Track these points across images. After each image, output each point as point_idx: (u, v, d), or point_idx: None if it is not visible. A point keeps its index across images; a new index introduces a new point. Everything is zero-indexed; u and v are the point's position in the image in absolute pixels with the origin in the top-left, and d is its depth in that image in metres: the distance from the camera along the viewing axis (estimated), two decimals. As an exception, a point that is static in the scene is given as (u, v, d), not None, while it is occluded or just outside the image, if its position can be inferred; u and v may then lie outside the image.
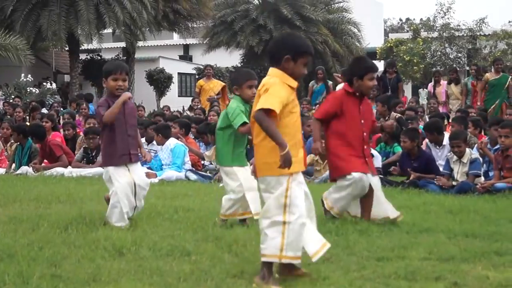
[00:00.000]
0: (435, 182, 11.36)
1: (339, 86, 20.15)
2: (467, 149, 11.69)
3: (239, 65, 38.22)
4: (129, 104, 8.52)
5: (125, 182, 8.19)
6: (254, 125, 5.82)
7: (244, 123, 8.03)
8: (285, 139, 5.55)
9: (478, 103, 20.06)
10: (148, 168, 13.71)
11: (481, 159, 11.72)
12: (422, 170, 11.80)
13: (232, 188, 8.29)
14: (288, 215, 5.62)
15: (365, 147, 8.41)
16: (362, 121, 8.36)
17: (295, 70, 5.84)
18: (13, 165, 14.94)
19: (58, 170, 13.91)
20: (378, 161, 12.96)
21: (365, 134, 8.40)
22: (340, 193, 8.31)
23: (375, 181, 8.37)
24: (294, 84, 5.85)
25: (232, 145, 8.36)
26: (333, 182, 8.62)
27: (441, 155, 13.17)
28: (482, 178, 11.61)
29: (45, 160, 14.56)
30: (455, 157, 11.59)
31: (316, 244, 5.93)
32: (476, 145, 12.81)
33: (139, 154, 8.59)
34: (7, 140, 16.11)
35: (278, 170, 5.59)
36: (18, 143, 15.05)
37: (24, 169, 14.27)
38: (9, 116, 19.61)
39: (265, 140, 5.72)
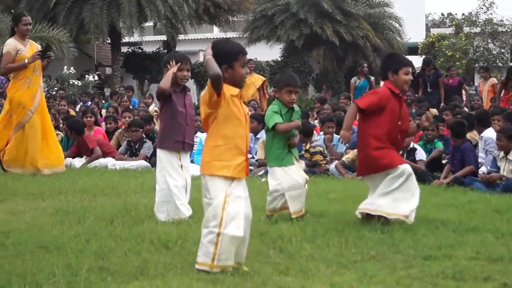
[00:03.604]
0: (479, 178, 11.31)
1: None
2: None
3: (279, 59, 38.13)
4: (189, 95, 8.69)
5: (179, 180, 8.25)
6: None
7: (277, 124, 8.39)
8: (219, 142, 5.88)
9: None
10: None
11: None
12: (461, 161, 11.80)
13: (272, 187, 8.49)
14: (224, 227, 5.76)
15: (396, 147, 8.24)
16: (400, 123, 8.18)
17: (235, 76, 5.98)
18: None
19: (102, 162, 14.02)
20: (421, 154, 12.80)
21: (399, 136, 8.23)
22: (390, 187, 8.01)
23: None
24: (235, 91, 5.97)
25: (272, 146, 8.57)
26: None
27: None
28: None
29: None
30: (501, 154, 11.46)
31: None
32: None
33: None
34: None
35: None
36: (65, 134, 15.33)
37: (69, 161, 14.37)
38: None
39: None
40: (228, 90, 5.90)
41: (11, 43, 12.45)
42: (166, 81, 8.41)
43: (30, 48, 12.49)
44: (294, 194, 8.36)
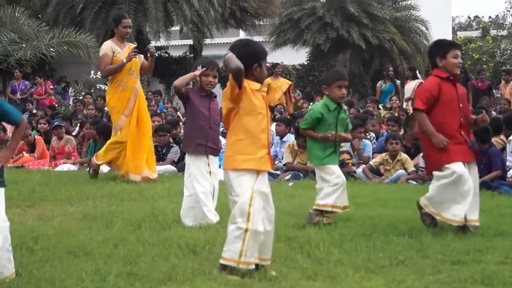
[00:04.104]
0: (507, 182, 11.21)
1: (408, 86, 20.11)
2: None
3: (305, 63, 38.11)
4: (215, 101, 8.65)
5: (207, 186, 8.25)
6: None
7: (306, 129, 8.52)
8: (241, 136, 5.94)
9: None
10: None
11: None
12: (488, 165, 11.65)
13: (330, 182, 8.34)
14: (251, 223, 5.80)
15: (463, 132, 7.89)
16: (461, 105, 7.90)
17: (261, 74, 6.07)
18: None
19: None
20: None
21: (462, 120, 7.89)
22: (434, 188, 7.83)
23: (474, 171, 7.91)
24: (257, 86, 6.01)
25: (314, 144, 8.52)
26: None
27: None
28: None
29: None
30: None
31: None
32: None
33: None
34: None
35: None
36: (92, 139, 15.36)
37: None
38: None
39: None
40: (250, 84, 5.95)
41: (107, 45, 12.29)
42: (181, 79, 8.46)
43: (127, 51, 12.21)
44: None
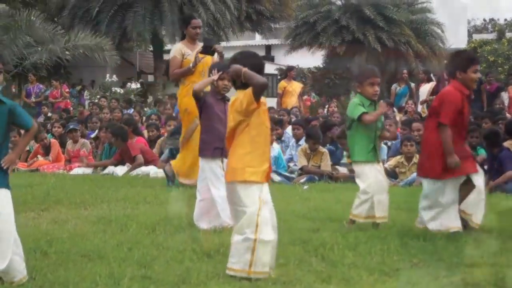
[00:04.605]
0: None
1: (423, 89, 20.04)
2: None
3: (321, 66, 38.06)
4: (228, 104, 8.60)
5: (223, 190, 8.22)
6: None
7: (363, 114, 8.17)
8: (249, 149, 6.00)
9: None
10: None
11: None
12: (500, 169, 11.62)
13: (362, 189, 8.27)
14: (259, 233, 5.87)
15: (466, 145, 7.97)
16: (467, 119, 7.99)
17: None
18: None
19: (144, 170, 14.02)
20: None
21: (464, 132, 8.00)
22: (424, 212, 7.97)
23: (479, 180, 7.93)
24: (263, 99, 6.02)
25: (357, 139, 8.36)
26: None
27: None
28: None
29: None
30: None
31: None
32: None
33: None
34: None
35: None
36: (108, 142, 15.35)
37: (111, 169, 14.46)
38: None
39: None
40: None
41: (177, 47, 12.06)
42: (200, 84, 8.51)
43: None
44: (382, 198, 8.22)
